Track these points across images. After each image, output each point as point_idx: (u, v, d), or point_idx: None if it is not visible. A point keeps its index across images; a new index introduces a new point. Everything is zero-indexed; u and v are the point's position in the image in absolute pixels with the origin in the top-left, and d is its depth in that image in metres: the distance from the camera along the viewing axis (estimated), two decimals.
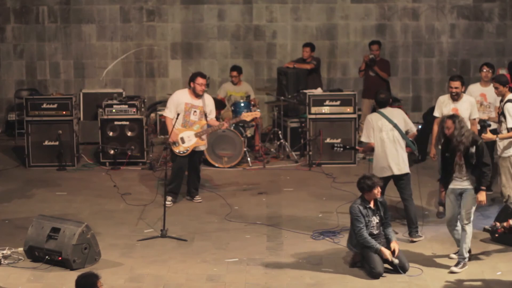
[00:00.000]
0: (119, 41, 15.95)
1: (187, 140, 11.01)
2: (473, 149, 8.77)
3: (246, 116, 11.44)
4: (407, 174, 9.74)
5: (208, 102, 11.23)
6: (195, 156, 11.21)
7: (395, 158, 9.65)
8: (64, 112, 13.37)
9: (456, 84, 10.33)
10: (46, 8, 15.85)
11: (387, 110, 9.81)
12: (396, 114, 9.83)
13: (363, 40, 15.91)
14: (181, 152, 11.00)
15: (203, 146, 11.32)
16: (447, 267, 8.90)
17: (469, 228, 8.90)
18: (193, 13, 15.90)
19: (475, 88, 11.64)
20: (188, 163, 11.17)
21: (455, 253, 9.16)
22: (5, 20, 15.87)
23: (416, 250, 9.43)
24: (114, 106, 13.47)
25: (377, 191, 8.76)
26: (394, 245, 8.72)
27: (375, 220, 8.78)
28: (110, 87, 15.73)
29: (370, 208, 8.78)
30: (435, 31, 15.96)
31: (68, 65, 16.04)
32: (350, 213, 8.86)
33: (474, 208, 8.95)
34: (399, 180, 9.72)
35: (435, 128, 10.22)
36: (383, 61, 14.78)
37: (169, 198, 10.94)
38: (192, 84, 11.10)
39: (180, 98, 11.14)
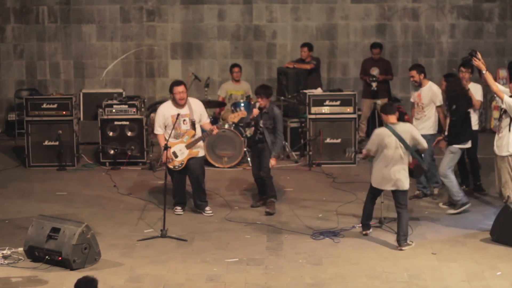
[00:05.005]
0: (119, 41, 15.96)
1: (180, 153, 10.63)
2: (453, 107, 10.57)
3: (233, 117, 11.05)
4: (404, 189, 9.60)
5: (196, 108, 10.69)
6: (192, 166, 10.71)
7: (393, 176, 9.48)
8: (64, 112, 13.38)
9: (412, 73, 11.31)
10: (46, 8, 15.86)
11: (399, 126, 9.57)
12: (405, 129, 9.60)
13: (363, 40, 15.92)
14: (176, 167, 10.67)
15: (201, 152, 10.84)
16: (447, 267, 8.91)
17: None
18: (193, 13, 15.92)
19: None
20: (188, 174, 10.82)
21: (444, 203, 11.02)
22: (5, 20, 15.89)
23: (416, 250, 9.43)
24: (114, 106, 13.47)
25: (260, 99, 10.69)
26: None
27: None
28: (110, 87, 15.75)
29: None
30: (435, 31, 15.97)
31: (68, 65, 16.05)
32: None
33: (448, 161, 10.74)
34: (396, 193, 9.60)
35: (412, 112, 11.53)
36: (384, 62, 14.78)
37: (178, 207, 10.92)
38: (172, 96, 10.67)
39: (166, 112, 10.64)
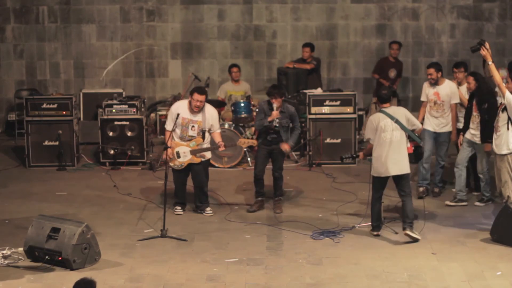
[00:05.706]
0: (119, 41, 15.96)
1: (183, 155, 10.61)
2: (485, 106, 10.58)
3: (243, 143, 11.09)
4: (407, 173, 9.73)
5: (209, 117, 10.59)
6: (197, 170, 10.72)
7: (395, 159, 9.58)
8: (64, 112, 13.38)
9: (430, 71, 11.40)
10: (46, 8, 15.86)
11: (390, 109, 9.75)
12: (399, 112, 9.79)
13: (363, 40, 15.92)
14: (175, 166, 10.68)
15: (206, 156, 10.81)
16: (447, 267, 8.90)
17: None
18: (193, 13, 15.91)
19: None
20: (192, 177, 10.82)
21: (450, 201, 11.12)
22: (5, 20, 15.88)
23: (416, 250, 9.43)
24: (114, 106, 13.47)
25: (274, 100, 10.73)
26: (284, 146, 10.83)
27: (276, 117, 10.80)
28: (110, 87, 15.75)
29: (272, 108, 10.79)
30: (435, 31, 15.98)
31: (68, 65, 16.05)
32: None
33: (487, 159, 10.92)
34: (399, 179, 9.69)
35: (422, 111, 11.56)
36: (399, 63, 14.99)
37: (178, 207, 10.92)
38: (190, 98, 10.59)
39: (178, 111, 10.58)
